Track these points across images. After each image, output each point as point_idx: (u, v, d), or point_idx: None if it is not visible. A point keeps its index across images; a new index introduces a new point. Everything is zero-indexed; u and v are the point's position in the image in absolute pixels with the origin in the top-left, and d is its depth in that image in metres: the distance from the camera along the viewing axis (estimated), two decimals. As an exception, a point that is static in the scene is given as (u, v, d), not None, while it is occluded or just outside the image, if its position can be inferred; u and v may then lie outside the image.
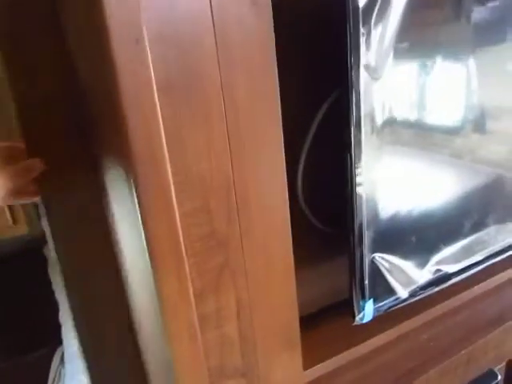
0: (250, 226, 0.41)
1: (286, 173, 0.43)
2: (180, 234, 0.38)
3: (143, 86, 0.34)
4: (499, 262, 0.75)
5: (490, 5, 0.58)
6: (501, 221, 0.72)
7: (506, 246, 0.74)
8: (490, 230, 0.72)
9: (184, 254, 0.38)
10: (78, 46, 0.42)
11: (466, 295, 0.74)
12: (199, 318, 0.41)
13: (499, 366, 0.74)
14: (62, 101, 0.47)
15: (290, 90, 0.57)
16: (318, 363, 0.59)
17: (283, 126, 0.57)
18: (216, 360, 0.43)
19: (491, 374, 0.71)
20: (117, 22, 0.31)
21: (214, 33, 0.35)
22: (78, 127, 0.48)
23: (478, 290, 0.74)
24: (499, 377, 0.71)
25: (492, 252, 0.72)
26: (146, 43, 0.33)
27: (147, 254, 0.37)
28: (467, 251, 0.69)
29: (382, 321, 0.67)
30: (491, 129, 0.65)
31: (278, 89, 0.40)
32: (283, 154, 0.42)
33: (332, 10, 0.49)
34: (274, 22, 0.45)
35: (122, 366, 0.62)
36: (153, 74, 0.34)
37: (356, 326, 0.65)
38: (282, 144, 0.42)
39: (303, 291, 0.69)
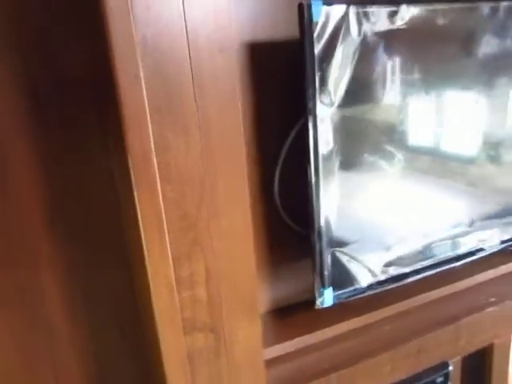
0: (217, 213, 0.55)
1: (245, 174, 0.57)
2: (162, 212, 0.52)
3: (139, 107, 0.49)
4: (459, 267, 0.86)
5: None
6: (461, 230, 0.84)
7: (464, 253, 0.85)
8: (450, 238, 0.83)
9: (165, 229, 0.53)
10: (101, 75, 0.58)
11: (425, 297, 0.85)
12: (176, 279, 0.55)
13: (453, 360, 0.84)
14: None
15: (271, 114, 0.71)
16: (278, 343, 0.72)
17: (262, 141, 0.72)
18: (189, 314, 0.57)
19: (443, 365, 0.81)
20: (122, 63, 0.47)
21: (191, 71, 0.50)
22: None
23: (435, 294, 0.85)
24: (450, 367, 0.81)
25: (448, 258, 0.83)
26: (142, 78, 0.48)
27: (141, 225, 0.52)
28: (423, 255, 0.80)
29: (345, 312, 0.79)
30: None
31: (240, 111, 0.54)
32: (245, 159, 0.56)
33: (298, 55, 0.63)
34: (259, 65, 0.61)
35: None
36: (146, 98, 0.49)
37: (322, 315, 0.77)
38: (244, 152, 0.56)
39: (280, 285, 0.82)
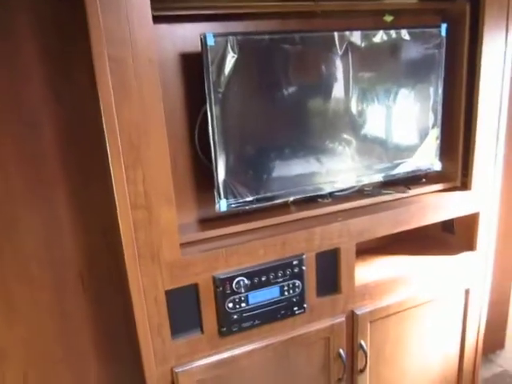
0: (148, 143, 1.07)
1: (164, 132, 1.08)
2: (119, 142, 1.04)
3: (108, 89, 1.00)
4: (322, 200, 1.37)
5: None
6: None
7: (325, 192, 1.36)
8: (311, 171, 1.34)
9: (120, 150, 1.04)
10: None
11: (296, 216, 1.36)
12: (126, 178, 1.06)
13: (310, 254, 1.33)
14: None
15: (193, 96, 1.22)
16: (192, 233, 1.24)
17: (188, 113, 1.23)
18: (133, 199, 1.09)
19: (300, 255, 1.31)
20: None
21: (134, 69, 1.02)
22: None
23: (302, 214, 1.36)
24: (304, 256, 1.31)
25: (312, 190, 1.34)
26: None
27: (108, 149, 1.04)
28: (290, 185, 1.31)
29: (237, 221, 1.30)
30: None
31: (162, 103, 1.05)
32: (163, 118, 1.07)
33: (202, 61, 1.14)
34: (187, 66, 1.12)
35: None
36: (110, 81, 1.00)
37: (224, 223, 1.28)
38: (163, 114, 1.07)
39: (203, 204, 1.33)
